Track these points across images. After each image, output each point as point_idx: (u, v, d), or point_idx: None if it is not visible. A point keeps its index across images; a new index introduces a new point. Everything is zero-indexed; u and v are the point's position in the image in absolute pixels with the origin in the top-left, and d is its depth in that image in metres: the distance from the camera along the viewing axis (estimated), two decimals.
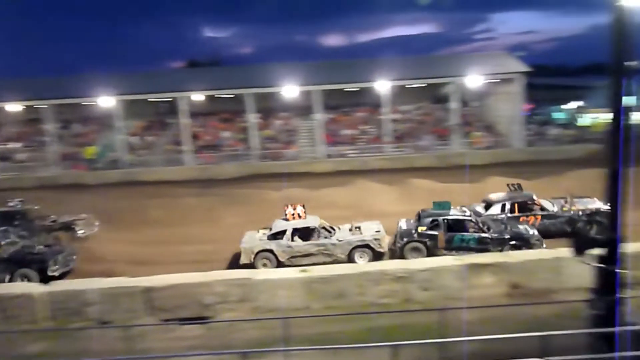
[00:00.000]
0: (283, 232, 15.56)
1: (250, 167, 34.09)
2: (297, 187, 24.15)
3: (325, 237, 15.62)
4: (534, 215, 16.50)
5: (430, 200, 20.98)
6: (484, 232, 15.17)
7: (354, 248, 15.34)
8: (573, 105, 49.83)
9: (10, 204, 18.84)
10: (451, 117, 36.70)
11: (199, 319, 11.72)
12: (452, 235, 15.25)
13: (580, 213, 16.43)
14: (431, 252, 14.88)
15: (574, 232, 8.21)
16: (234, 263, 15.49)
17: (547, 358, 7.40)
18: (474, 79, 35.63)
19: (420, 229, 15.52)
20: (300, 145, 36.97)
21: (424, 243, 15.21)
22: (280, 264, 15.06)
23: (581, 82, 62.57)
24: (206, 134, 37.69)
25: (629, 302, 8.79)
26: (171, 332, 11.45)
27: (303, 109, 38.45)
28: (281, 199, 22.40)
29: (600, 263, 7.70)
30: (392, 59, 40.42)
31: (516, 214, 16.77)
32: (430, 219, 15.63)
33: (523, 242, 14.64)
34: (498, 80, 37.78)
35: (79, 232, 18.51)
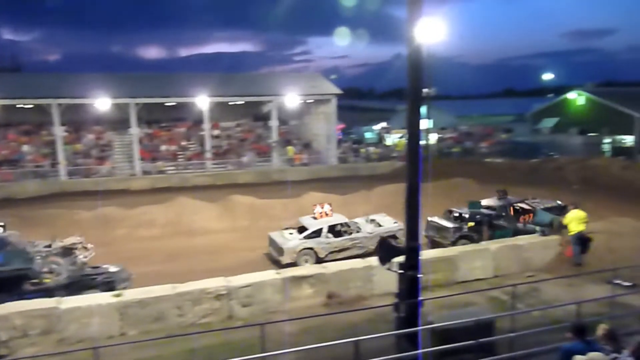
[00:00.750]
0: (319, 231, 16.66)
1: (57, 184, 31.06)
2: (111, 205, 22.59)
3: (357, 232, 17.11)
4: (528, 214, 18.26)
5: (252, 217, 21.30)
6: (516, 226, 17.24)
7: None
8: (381, 125, 54.69)
9: None
10: (271, 135, 37.68)
11: None
12: (494, 231, 17.02)
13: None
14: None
15: (380, 243, 8.97)
16: None
17: None
18: (292, 98, 37.14)
19: (469, 224, 17.22)
20: (115, 161, 34.75)
21: (472, 236, 16.84)
22: (319, 260, 15.85)
23: (388, 105, 69.05)
24: (2, 148, 33.43)
25: (428, 303, 9.82)
26: None
27: (118, 123, 36.32)
28: (93, 218, 20.78)
29: (403, 269, 8.46)
30: (213, 75, 40.28)
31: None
32: (477, 216, 17.40)
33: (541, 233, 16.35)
34: (312, 101, 39.88)
35: (80, 257, 15.38)
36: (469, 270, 14.33)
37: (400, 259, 8.50)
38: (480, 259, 14.52)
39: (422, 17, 8.40)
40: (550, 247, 15.52)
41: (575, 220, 14.83)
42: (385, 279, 12.25)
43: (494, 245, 15.03)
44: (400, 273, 8.49)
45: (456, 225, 17.48)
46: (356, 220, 18.14)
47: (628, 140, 43.75)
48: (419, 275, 8.49)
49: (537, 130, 52.19)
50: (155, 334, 10.92)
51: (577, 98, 49.47)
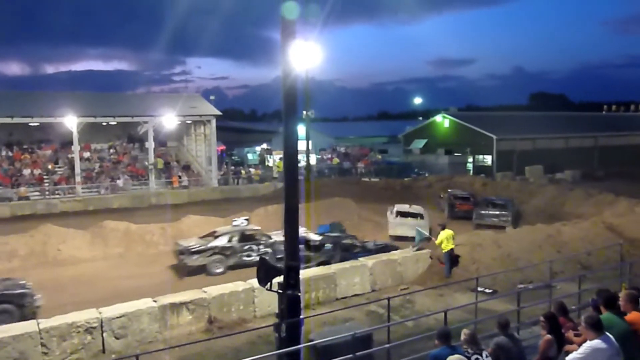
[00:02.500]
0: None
1: None
2: None
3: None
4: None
5: (127, 243, 20.29)
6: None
7: None
8: (263, 147, 54.99)
9: (237, 222, 19.01)
10: (148, 157, 36.29)
11: None
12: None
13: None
14: None
15: (259, 263, 8.82)
16: None
17: None
18: (169, 119, 36.12)
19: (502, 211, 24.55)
20: None
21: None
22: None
23: (269, 126, 69.63)
24: None
25: (309, 321, 9.96)
26: None
27: None
28: None
29: (283, 289, 8.50)
30: (83, 94, 38.23)
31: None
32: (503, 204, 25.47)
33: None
34: (191, 122, 39.19)
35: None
36: (348, 287, 14.76)
37: (280, 278, 8.54)
38: (358, 274, 15.02)
39: (297, 41, 8.65)
40: (421, 260, 16.50)
41: (445, 239, 15.91)
42: (268, 299, 12.28)
43: (370, 261, 15.64)
44: (280, 293, 8.52)
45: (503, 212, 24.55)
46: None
47: (487, 159, 48.07)
48: (299, 294, 8.58)
49: (409, 151, 55.53)
50: None
51: (443, 121, 53.49)
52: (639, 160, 48.18)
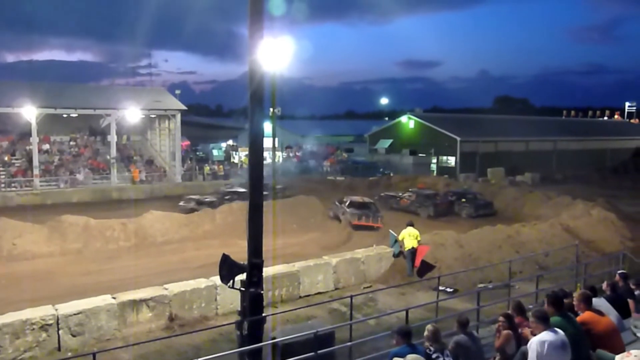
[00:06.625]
0: None
1: None
2: None
3: None
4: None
5: (87, 238, 19.78)
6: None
7: None
8: (228, 143, 54.54)
9: None
10: (110, 150, 35.49)
11: None
12: None
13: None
14: None
15: (222, 260, 8.72)
16: None
17: None
18: (133, 113, 35.41)
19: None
20: None
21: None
22: None
23: (236, 122, 69.05)
24: None
25: (272, 319, 9.91)
26: None
27: None
28: None
29: (246, 287, 8.43)
30: (44, 84, 37.14)
31: None
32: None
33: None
34: (155, 116, 38.51)
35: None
36: (312, 284, 14.77)
37: (243, 276, 8.46)
38: (322, 273, 15.04)
39: (265, 38, 8.59)
40: (384, 259, 16.63)
41: (409, 237, 16.05)
42: (230, 297, 12.17)
43: (334, 259, 15.68)
44: (242, 290, 8.44)
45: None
46: None
47: (451, 160, 48.84)
48: (261, 292, 8.52)
49: (374, 151, 55.93)
50: None
51: (408, 122, 54.04)
52: (595, 165, 49.83)
